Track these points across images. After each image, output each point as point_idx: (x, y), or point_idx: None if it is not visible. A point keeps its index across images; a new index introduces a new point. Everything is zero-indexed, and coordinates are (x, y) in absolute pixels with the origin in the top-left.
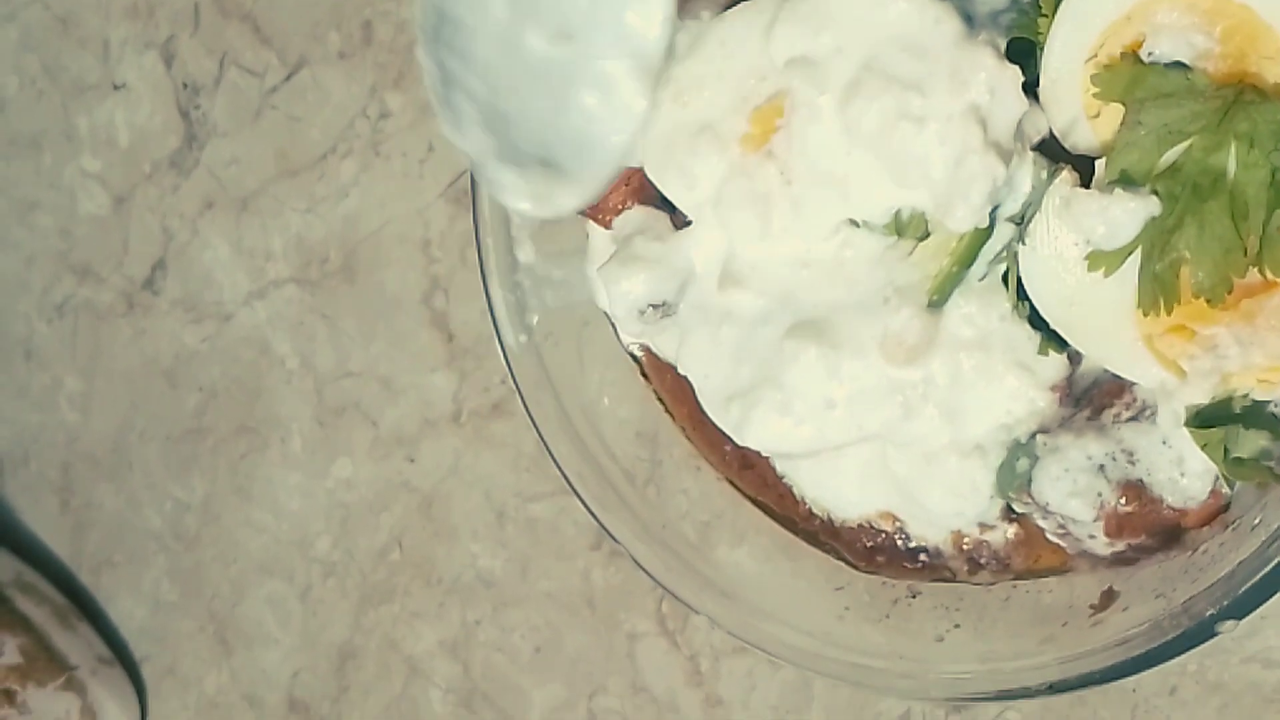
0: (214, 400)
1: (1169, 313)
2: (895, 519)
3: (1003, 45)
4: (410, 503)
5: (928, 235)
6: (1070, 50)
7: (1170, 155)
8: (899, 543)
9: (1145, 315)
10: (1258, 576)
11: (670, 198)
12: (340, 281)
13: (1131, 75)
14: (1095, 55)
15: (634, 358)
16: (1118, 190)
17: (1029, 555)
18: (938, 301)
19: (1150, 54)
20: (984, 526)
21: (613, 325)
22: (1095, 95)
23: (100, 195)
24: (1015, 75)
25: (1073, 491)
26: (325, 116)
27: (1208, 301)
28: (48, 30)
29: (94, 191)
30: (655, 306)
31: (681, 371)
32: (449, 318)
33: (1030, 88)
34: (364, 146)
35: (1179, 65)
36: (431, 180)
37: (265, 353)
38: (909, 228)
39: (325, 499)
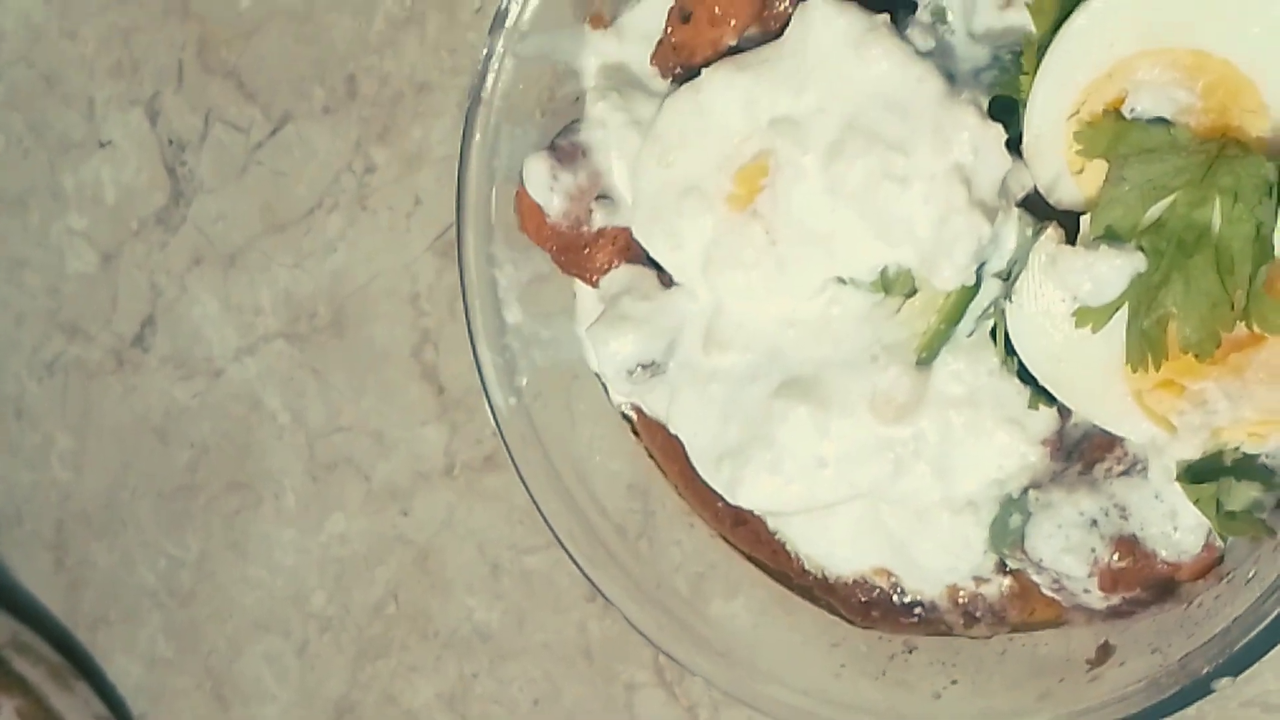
0: (206, 456)
1: (1157, 368)
2: (890, 575)
3: (985, 103)
4: (405, 556)
5: (915, 292)
6: (1052, 107)
7: (1155, 211)
8: (894, 597)
9: (1134, 371)
10: (1252, 634)
11: (657, 259)
12: (329, 336)
13: (1114, 131)
14: (1077, 112)
15: (625, 416)
16: (1103, 246)
17: (1024, 608)
18: (926, 359)
19: (1132, 110)
20: (979, 580)
21: (603, 384)
22: (1078, 152)
23: (88, 253)
24: (998, 133)
25: (1066, 548)
26: (311, 171)
27: (1196, 357)
28: (33, 89)
29: (81, 249)
30: (644, 366)
31: (672, 430)
32: (439, 371)
33: (1014, 145)
34: (350, 201)
35: (1161, 121)
36: (418, 234)
37: (256, 408)
38: (895, 285)
39: (320, 554)
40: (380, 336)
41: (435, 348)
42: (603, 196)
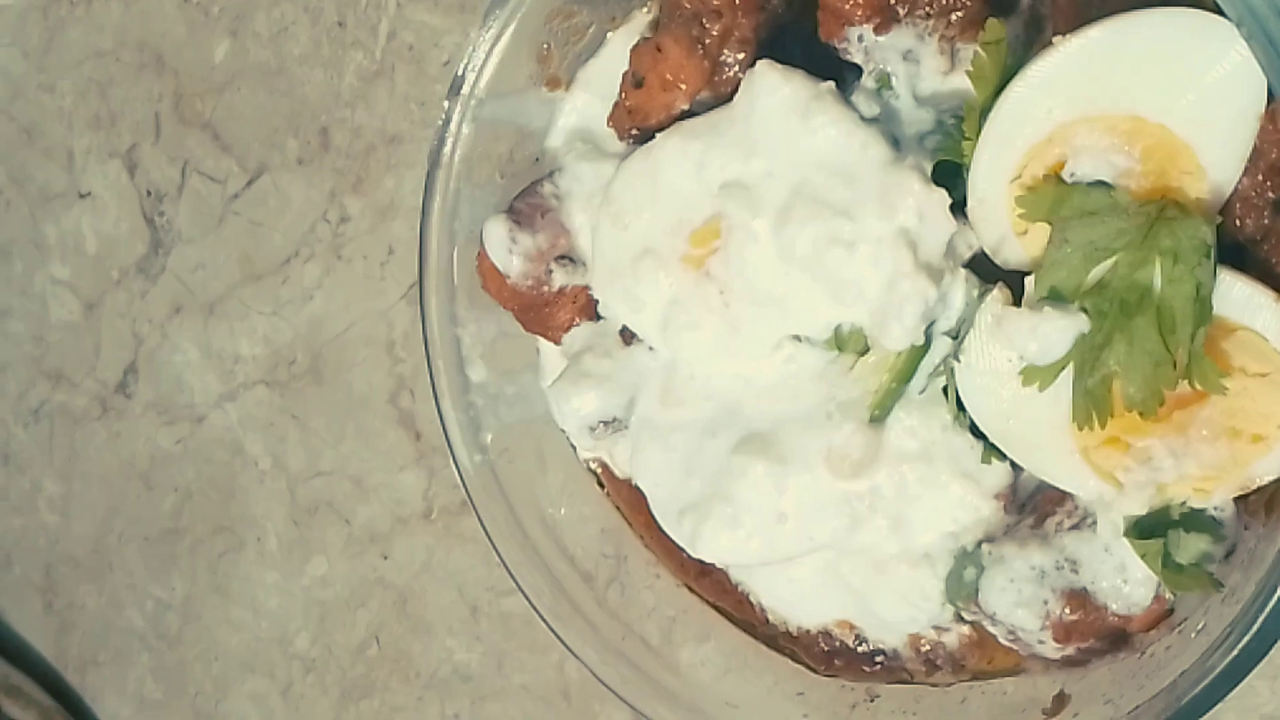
0: (190, 501)
1: (1103, 426)
2: (852, 627)
3: (929, 168)
4: (386, 599)
5: (868, 350)
6: (995, 171)
7: (1097, 272)
8: (856, 646)
9: (1080, 429)
10: (1198, 688)
11: (617, 320)
12: (308, 383)
13: (1055, 195)
14: (1020, 175)
15: (591, 470)
16: (1047, 308)
17: (983, 656)
18: (879, 416)
19: (1072, 174)
20: (939, 629)
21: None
22: (1021, 215)
23: (71, 302)
24: (942, 198)
25: (1018, 601)
26: (287, 221)
27: (1140, 415)
28: (12, 141)
29: (64, 298)
30: (605, 423)
31: (635, 483)
32: (416, 416)
33: (959, 207)
34: (326, 250)
35: (1102, 184)
36: (393, 282)
37: (238, 453)
38: (849, 343)
39: (303, 596)
40: (358, 383)
41: (412, 394)
42: (562, 257)
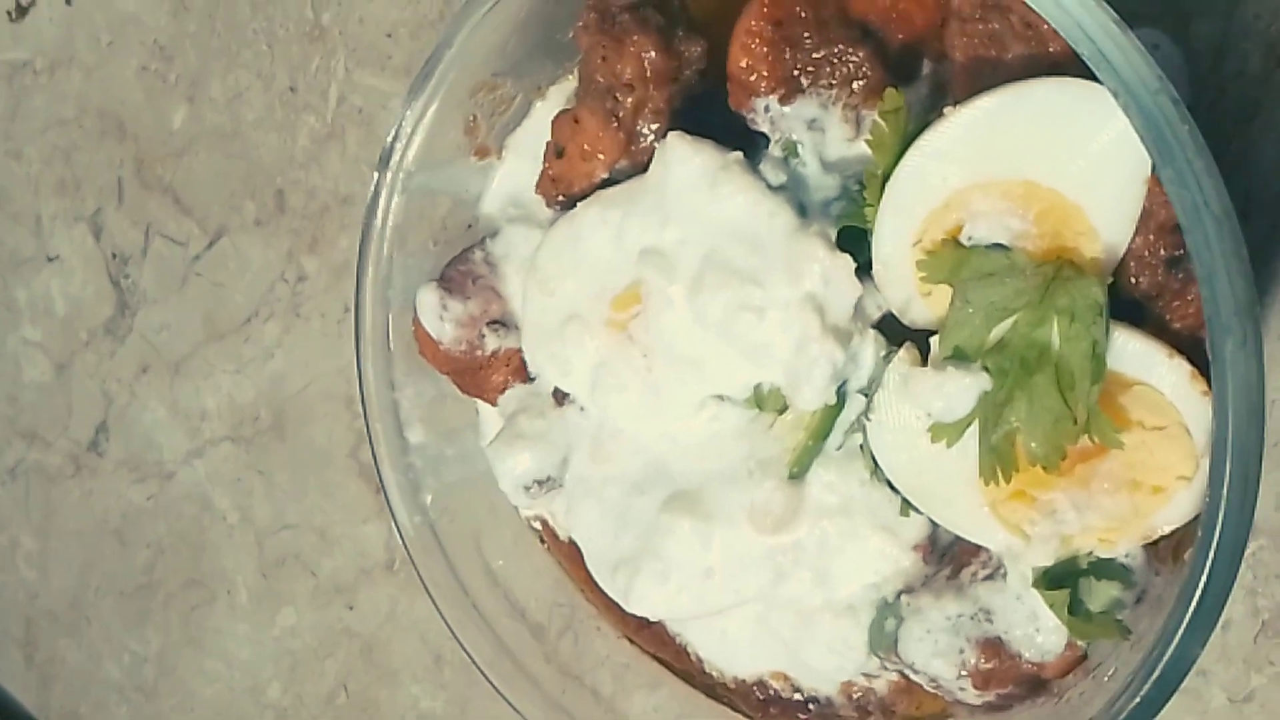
0: (162, 556)
1: (1008, 481)
2: (786, 677)
3: (834, 234)
4: (352, 648)
5: (786, 409)
6: (898, 236)
7: (998, 331)
8: (791, 694)
9: (986, 485)
10: None
11: (549, 382)
12: (272, 438)
13: (954, 258)
14: (920, 240)
15: (533, 528)
16: (950, 367)
17: (911, 702)
18: (797, 474)
19: (970, 238)
20: (869, 676)
21: None
22: (922, 278)
23: (42, 362)
24: (847, 263)
25: (935, 652)
26: (247, 281)
27: (1043, 469)
28: None
29: (36, 359)
30: (540, 483)
31: (571, 538)
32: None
33: (866, 270)
34: (285, 309)
35: (999, 246)
36: (349, 339)
37: (207, 508)
38: (768, 402)
39: (273, 647)
40: (319, 437)
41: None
42: (494, 322)
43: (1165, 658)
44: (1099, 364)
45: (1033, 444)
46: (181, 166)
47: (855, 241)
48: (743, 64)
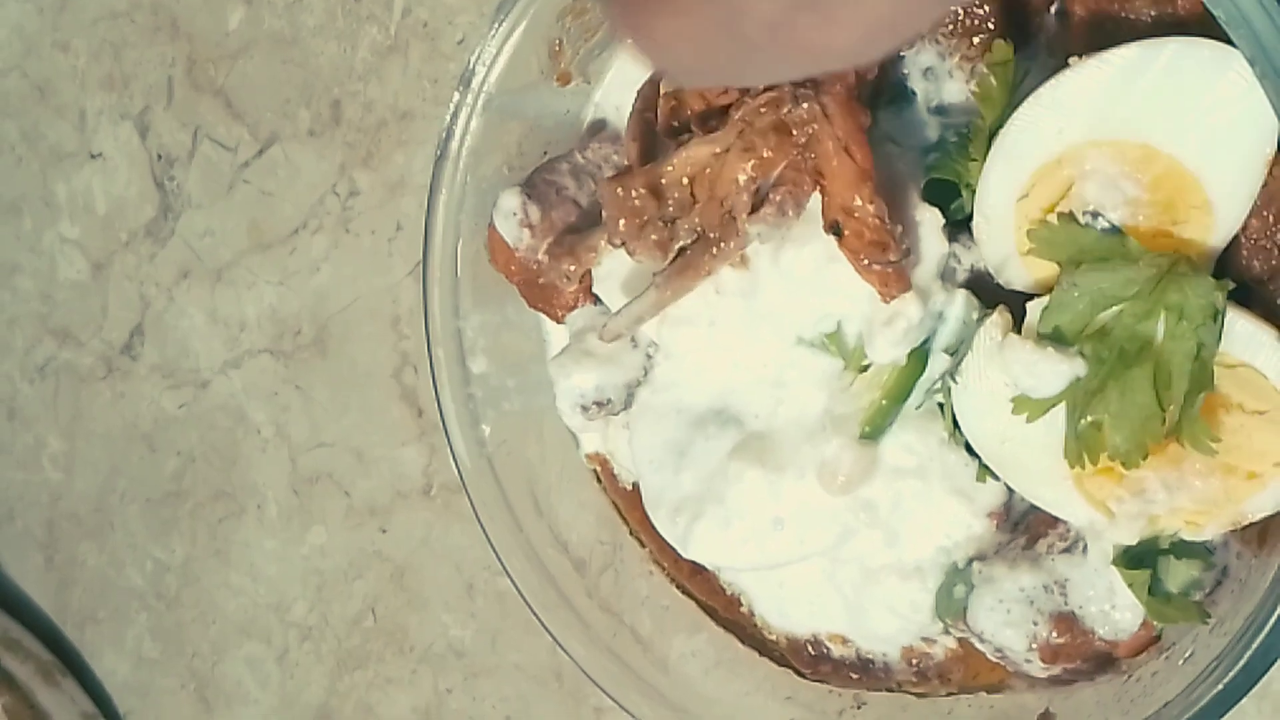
0: (192, 465)
1: (1094, 464)
2: (845, 639)
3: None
4: (383, 572)
5: (867, 368)
6: (1003, 190)
7: (1102, 318)
8: (847, 655)
9: (1071, 466)
10: (1184, 718)
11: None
12: (313, 354)
13: (1068, 238)
14: (1027, 195)
15: (591, 469)
16: (1047, 346)
17: (969, 671)
18: (870, 434)
19: (1082, 202)
20: (928, 640)
21: (571, 433)
22: (1032, 253)
23: (79, 261)
24: (935, 217)
25: (1006, 622)
26: (296, 192)
27: (1122, 464)
28: (25, 98)
29: (73, 257)
30: (600, 404)
31: (632, 484)
32: (419, 394)
33: (963, 224)
34: (334, 223)
35: (1115, 230)
36: (400, 258)
37: (241, 421)
38: (852, 357)
39: (301, 565)
40: (362, 357)
41: (415, 370)
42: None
43: (1254, 646)
44: (1203, 370)
45: (1116, 438)
46: (235, 70)
47: (944, 195)
48: None
